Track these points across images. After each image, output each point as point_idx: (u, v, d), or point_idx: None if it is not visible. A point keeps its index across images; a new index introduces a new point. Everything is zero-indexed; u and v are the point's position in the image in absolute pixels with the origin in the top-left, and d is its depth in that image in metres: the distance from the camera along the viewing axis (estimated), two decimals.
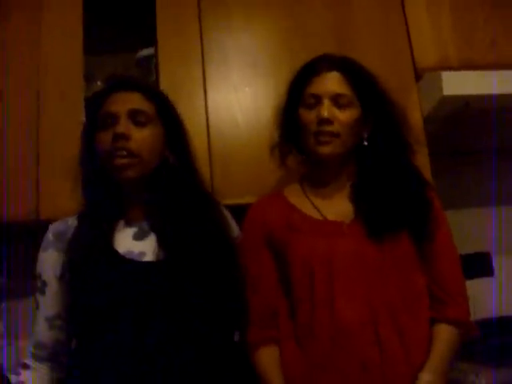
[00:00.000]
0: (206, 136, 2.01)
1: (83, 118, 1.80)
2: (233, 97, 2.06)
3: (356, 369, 1.36)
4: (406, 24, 2.16)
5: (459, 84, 1.92)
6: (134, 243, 1.44)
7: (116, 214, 1.49)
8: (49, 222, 1.54)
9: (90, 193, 1.48)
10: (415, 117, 2.02)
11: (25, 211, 1.89)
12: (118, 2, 2.19)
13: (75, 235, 1.45)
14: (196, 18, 2.11)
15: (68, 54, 2.08)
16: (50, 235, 1.49)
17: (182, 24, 2.11)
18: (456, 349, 1.44)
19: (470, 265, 2.27)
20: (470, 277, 2.20)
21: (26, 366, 1.45)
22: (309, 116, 1.51)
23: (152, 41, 2.13)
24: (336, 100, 1.49)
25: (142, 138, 1.42)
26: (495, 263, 2.37)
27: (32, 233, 1.69)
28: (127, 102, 1.44)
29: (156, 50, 2.09)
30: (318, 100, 1.50)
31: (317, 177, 1.60)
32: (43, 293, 1.46)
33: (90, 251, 1.40)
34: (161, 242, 1.41)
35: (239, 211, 1.61)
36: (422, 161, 1.88)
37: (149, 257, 1.40)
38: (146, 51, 2.16)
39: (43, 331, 1.45)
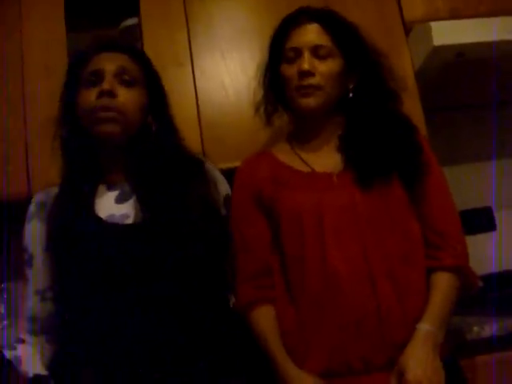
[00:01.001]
0: (195, 102, 1.99)
1: None
2: (220, 62, 2.04)
3: (351, 323, 1.34)
4: None
5: (449, 33, 1.88)
6: (116, 206, 1.42)
7: (96, 178, 1.46)
8: None
9: (69, 158, 1.45)
10: (407, 71, 1.99)
11: (16, 190, 1.86)
12: None
13: (56, 203, 1.43)
14: None
15: (51, 32, 2.05)
16: (32, 206, 1.48)
17: None
18: (455, 297, 1.40)
19: (472, 220, 2.26)
20: (473, 232, 2.19)
21: (21, 341, 1.42)
22: (290, 70, 1.49)
23: (135, 11, 2.09)
24: (316, 51, 1.47)
25: (128, 96, 1.40)
26: (496, 217, 2.34)
27: None
28: (114, 61, 1.43)
29: (139, 19, 2.06)
30: (298, 53, 1.48)
31: (304, 132, 1.57)
32: (31, 266, 1.44)
33: (71, 218, 1.38)
34: (142, 203, 1.38)
35: (232, 175, 1.60)
36: (417, 116, 1.87)
37: (131, 219, 1.38)
38: (130, 21, 2.13)
39: (35, 305, 1.43)
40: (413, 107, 1.88)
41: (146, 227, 1.35)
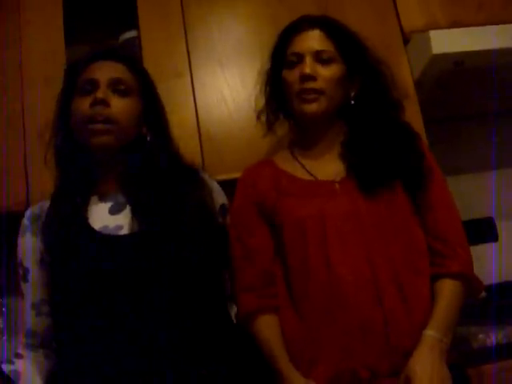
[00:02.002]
0: (195, 114, 1.98)
1: None
2: (219, 74, 2.03)
3: (357, 330, 1.32)
4: None
5: (448, 42, 1.88)
6: (110, 217, 1.40)
7: (89, 189, 1.45)
8: None
9: (62, 167, 1.45)
10: (406, 80, 1.98)
11: (15, 202, 1.85)
12: None
13: (49, 216, 1.42)
14: None
15: (50, 43, 2.04)
16: (25, 220, 1.47)
17: (164, 4, 2.08)
18: (460, 304, 1.39)
19: (474, 230, 2.24)
20: (474, 243, 2.17)
21: (19, 356, 1.40)
22: (291, 75, 1.49)
23: (134, 24, 2.09)
24: (318, 56, 1.47)
25: (122, 106, 1.39)
26: (498, 228, 2.33)
27: None
28: (109, 70, 1.42)
29: (138, 32, 2.06)
30: (299, 58, 1.48)
31: (305, 139, 1.56)
32: (26, 280, 1.43)
33: (64, 230, 1.36)
34: (136, 214, 1.37)
35: (232, 186, 1.59)
36: (417, 126, 1.84)
37: (126, 230, 1.36)
38: (129, 34, 2.13)
39: (32, 319, 1.42)
40: (413, 116, 1.87)
41: (140, 238, 1.34)
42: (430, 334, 1.32)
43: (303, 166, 1.51)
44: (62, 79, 1.53)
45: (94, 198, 1.45)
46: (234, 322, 1.47)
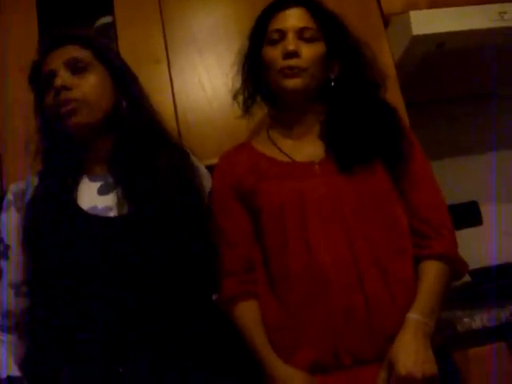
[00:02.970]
0: (172, 100, 1.94)
1: None
2: (197, 59, 1.99)
3: (338, 316, 1.29)
4: None
5: (429, 23, 1.85)
6: (98, 198, 1.37)
7: (78, 168, 1.42)
8: None
9: (49, 152, 1.42)
10: (387, 63, 1.94)
11: None
12: None
13: (35, 192, 1.38)
14: None
15: (23, 34, 1.99)
16: (9, 195, 1.42)
17: None
18: (445, 286, 1.35)
19: (458, 215, 2.22)
20: (459, 227, 2.15)
21: None
22: (273, 52, 1.45)
23: (109, 9, 2.04)
24: (301, 34, 1.44)
25: (84, 84, 1.37)
26: (483, 212, 2.31)
27: None
28: (61, 55, 1.40)
29: (113, 18, 2.01)
30: (282, 35, 1.45)
31: (283, 120, 1.53)
32: (6, 257, 1.38)
33: (51, 208, 1.33)
34: (125, 195, 1.34)
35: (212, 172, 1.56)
36: (398, 108, 1.80)
37: (114, 211, 1.33)
38: (104, 19, 2.08)
39: (9, 299, 1.36)
40: (394, 99, 1.84)
41: (129, 220, 1.31)
42: (414, 317, 1.29)
43: (280, 149, 1.48)
44: None
45: (84, 178, 1.42)
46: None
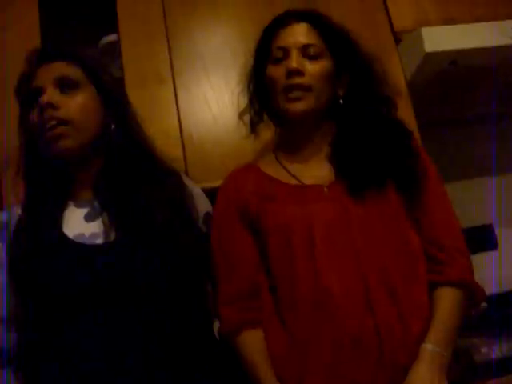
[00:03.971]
0: (177, 120, 1.88)
1: None
2: (203, 79, 1.94)
3: (347, 344, 1.22)
4: None
5: (442, 39, 1.80)
6: (85, 225, 1.31)
7: (63, 194, 1.36)
8: None
9: (32, 178, 1.36)
10: (398, 81, 1.89)
11: None
12: None
13: (19, 222, 1.32)
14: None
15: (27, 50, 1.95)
16: None
17: (144, 7, 2.00)
18: (461, 314, 1.29)
19: (473, 238, 2.15)
20: (474, 251, 2.09)
21: None
22: (277, 71, 1.40)
23: (114, 27, 2.01)
24: (305, 51, 1.39)
25: (72, 103, 1.31)
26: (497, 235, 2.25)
27: None
28: (50, 72, 1.34)
29: (118, 36, 1.98)
30: (286, 53, 1.40)
31: (291, 142, 1.47)
32: None
33: (36, 237, 1.27)
34: (112, 221, 1.28)
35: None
36: (410, 127, 1.76)
37: (101, 239, 1.27)
38: (109, 38, 2.05)
39: None
40: (406, 118, 1.78)
41: (116, 248, 1.25)
42: (429, 347, 1.22)
43: (288, 171, 1.42)
44: None
45: (70, 204, 1.37)
46: (217, 337, 1.37)
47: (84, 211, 1.34)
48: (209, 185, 1.64)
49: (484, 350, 1.50)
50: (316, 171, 1.40)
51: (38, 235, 1.27)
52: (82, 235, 1.28)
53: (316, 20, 1.43)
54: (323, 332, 1.24)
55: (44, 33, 1.98)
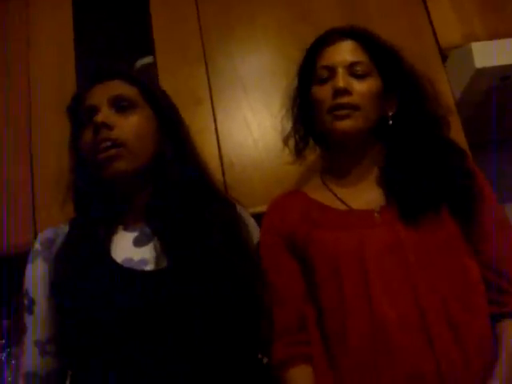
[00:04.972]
0: (216, 143, 1.84)
1: None
2: (242, 99, 1.89)
3: (405, 381, 1.12)
4: (425, 3, 1.96)
5: (492, 54, 1.71)
6: (134, 250, 1.25)
7: (113, 217, 1.31)
8: None
9: (81, 199, 1.31)
10: (447, 100, 1.78)
11: (23, 241, 1.71)
12: (110, 12, 2.09)
13: (66, 242, 1.27)
14: (195, 18, 1.98)
15: (62, 73, 1.97)
16: (36, 244, 1.31)
17: (181, 28, 1.98)
18: None
19: None
20: None
21: None
22: (323, 92, 1.33)
23: (150, 49, 1.99)
24: (352, 69, 1.32)
25: (127, 124, 1.26)
26: None
27: None
28: (106, 90, 1.30)
29: (155, 58, 1.95)
30: (331, 72, 1.33)
31: (338, 165, 1.41)
32: (31, 312, 1.26)
33: (82, 260, 1.21)
34: (163, 248, 1.22)
35: (259, 220, 1.44)
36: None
37: (151, 265, 1.21)
38: (145, 60, 2.03)
39: (33, 359, 1.23)
40: (456, 139, 1.69)
41: (168, 275, 1.19)
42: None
43: (336, 196, 1.35)
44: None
45: (120, 228, 1.31)
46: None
47: (133, 235, 1.29)
48: (250, 211, 1.57)
49: None
50: (365, 195, 1.33)
51: (84, 258, 1.22)
52: (131, 260, 1.23)
53: (362, 37, 1.37)
54: (378, 369, 1.15)
55: (79, 53, 1.98)
